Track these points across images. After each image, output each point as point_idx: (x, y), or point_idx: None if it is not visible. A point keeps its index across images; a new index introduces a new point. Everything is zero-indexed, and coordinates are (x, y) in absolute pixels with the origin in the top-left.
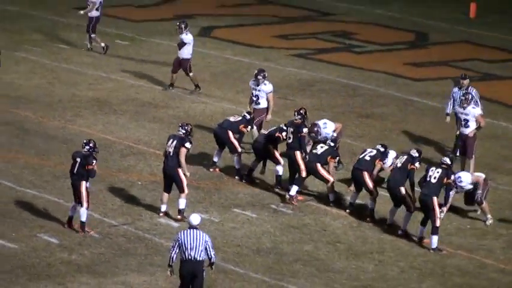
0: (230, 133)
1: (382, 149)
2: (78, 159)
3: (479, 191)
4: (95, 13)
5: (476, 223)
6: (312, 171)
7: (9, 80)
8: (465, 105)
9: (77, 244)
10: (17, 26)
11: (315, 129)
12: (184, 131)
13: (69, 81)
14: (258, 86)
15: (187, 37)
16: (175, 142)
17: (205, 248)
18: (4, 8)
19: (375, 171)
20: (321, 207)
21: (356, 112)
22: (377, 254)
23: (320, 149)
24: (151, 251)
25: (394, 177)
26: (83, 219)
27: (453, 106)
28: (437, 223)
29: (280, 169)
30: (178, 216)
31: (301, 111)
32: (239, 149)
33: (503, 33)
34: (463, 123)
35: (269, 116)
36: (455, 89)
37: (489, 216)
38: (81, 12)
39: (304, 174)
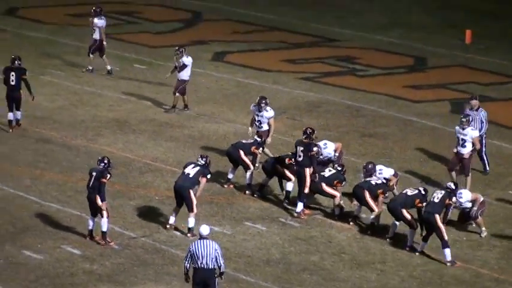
0: (242, 152)
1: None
2: (94, 173)
3: (475, 208)
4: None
5: (472, 235)
6: (317, 190)
7: (35, 102)
8: (465, 126)
9: (98, 255)
10: (42, 52)
11: (316, 149)
12: (203, 162)
13: (90, 102)
14: (260, 112)
15: (188, 59)
16: (197, 169)
17: (216, 257)
18: (30, 35)
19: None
20: (326, 220)
21: (359, 131)
22: (379, 264)
23: (328, 172)
24: (167, 261)
25: (395, 200)
26: (104, 229)
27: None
28: (445, 237)
29: (290, 186)
30: (189, 235)
31: (307, 131)
32: (251, 166)
33: (497, 58)
34: (460, 142)
35: (269, 139)
36: (468, 110)
37: (483, 229)
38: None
39: (307, 190)
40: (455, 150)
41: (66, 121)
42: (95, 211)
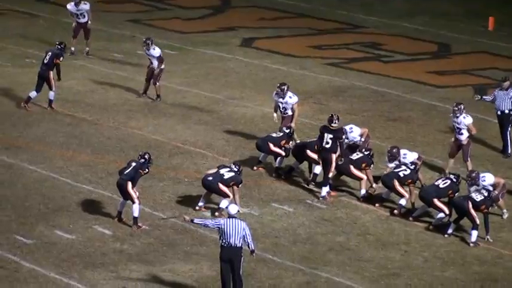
0: (271, 145)
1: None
2: (134, 164)
3: (496, 191)
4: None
5: (493, 217)
6: (345, 172)
7: (68, 86)
8: (457, 114)
9: (128, 235)
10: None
11: (344, 136)
12: (237, 169)
13: (122, 86)
14: (283, 98)
15: (156, 51)
16: (232, 174)
17: (243, 236)
18: (63, 20)
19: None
20: (352, 202)
21: (384, 116)
22: (403, 245)
23: (356, 155)
24: (196, 241)
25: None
26: (136, 214)
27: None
28: (477, 221)
29: (318, 169)
30: (216, 213)
31: (334, 118)
32: (282, 153)
33: None
34: (457, 130)
35: (293, 124)
36: (497, 91)
37: (505, 210)
38: None
39: (331, 175)
40: (452, 139)
41: (98, 104)
42: (125, 196)
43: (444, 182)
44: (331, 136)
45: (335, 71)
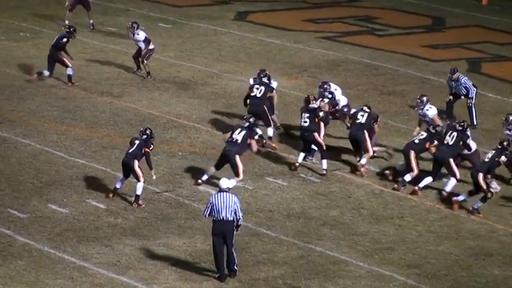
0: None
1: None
2: (137, 142)
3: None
4: None
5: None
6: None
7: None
8: (421, 107)
9: (122, 209)
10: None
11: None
12: (248, 123)
13: (116, 60)
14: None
15: (140, 36)
16: (244, 132)
17: (235, 209)
18: None
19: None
20: (346, 176)
21: (378, 90)
22: (397, 219)
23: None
24: (190, 215)
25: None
26: (139, 192)
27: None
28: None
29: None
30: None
31: (310, 98)
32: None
33: None
34: (424, 123)
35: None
36: (449, 82)
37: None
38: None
39: (324, 147)
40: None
41: (92, 78)
42: (128, 174)
43: (451, 136)
44: (307, 115)
45: (329, 44)
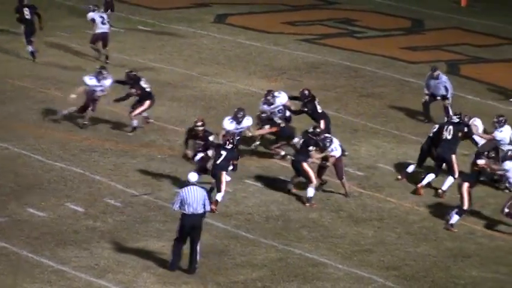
0: None
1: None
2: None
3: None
4: None
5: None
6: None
7: (40, 63)
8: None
9: (101, 212)
10: (48, 14)
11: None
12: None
13: (95, 63)
14: (239, 124)
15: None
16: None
17: (204, 202)
18: None
19: None
20: (324, 178)
21: (357, 92)
22: (376, 221)
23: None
24: (169, 218)
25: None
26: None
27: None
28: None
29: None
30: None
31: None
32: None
33: (491, 21)
34: None
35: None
36: (429, 80)
37: None
38: None
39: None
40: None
41: (71, 82)
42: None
43: (448, 130)
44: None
45: (309, 47)
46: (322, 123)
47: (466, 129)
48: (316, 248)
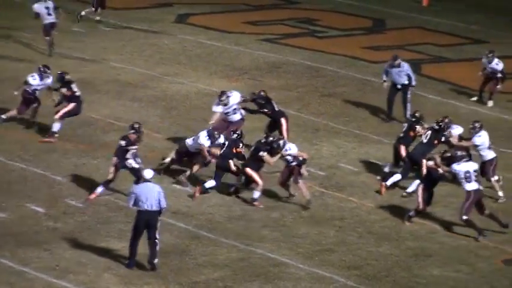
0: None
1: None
2: (227, 142)
3: None
4: None
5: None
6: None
7: (1, 64)
8: None
9: (62, 213)
10: (12, 14)
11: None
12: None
13: (56, 64)
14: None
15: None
16: None
17: (159, 199)
18: None
19: None
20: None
21: (319, 91)
22: (337, 221)
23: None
24: (130, 218)
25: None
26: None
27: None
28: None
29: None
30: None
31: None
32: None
33: (452, 20)
34: None
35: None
36: (389, 69)
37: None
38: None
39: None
40: None
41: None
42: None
43: (426, 134)
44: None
45: (270, 46)
46: (283, 121)
47: (443, 139)
48: (277, 247)
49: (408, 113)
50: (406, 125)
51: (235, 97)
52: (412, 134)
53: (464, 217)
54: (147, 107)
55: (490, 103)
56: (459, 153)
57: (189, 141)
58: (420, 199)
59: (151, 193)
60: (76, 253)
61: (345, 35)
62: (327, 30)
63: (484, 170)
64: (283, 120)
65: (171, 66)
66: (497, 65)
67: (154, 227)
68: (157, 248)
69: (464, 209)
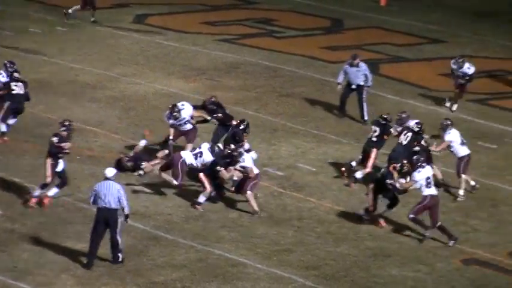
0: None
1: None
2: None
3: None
4: None
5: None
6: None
7: None
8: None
9: (19, 214)
10: None
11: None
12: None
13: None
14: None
15: None
16: None
17: (119, 198)
18: None
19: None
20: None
21: (277, 92)
22: (296, 221)
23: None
24: (88, 219)
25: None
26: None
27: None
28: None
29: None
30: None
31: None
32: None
33: (410, 20)
34: None
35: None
36: (347, 68)
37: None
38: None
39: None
40: None
41: None
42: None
43: (406, 136)
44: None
45: (228, 47)
46: (234, 122)
47: (422, 142)
48: (235, 248)
49: (365, 114)
50: (376, 128)
51: (187, 110)
52: (386, 137)
53: (412, 215)
54: (105, 108)
55: (455, 107)
56: (415, 157)
57: (188, 158)
58: (371, 198)
59: (110, 191)
60: (34, 254)
61: (303, 35)
62: (285, 30)
63: (456, 166)
64: (234, 122)
65: (129, 67)
66: (469, 69)
67: (114, 226)
68: (119, 247)
69: (415, 209)
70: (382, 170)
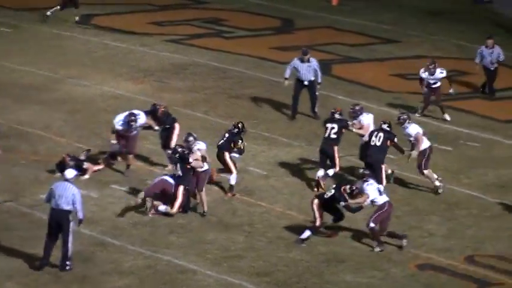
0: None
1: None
2: (227, 135)
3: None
4: None
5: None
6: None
7: None
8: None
9: None
10: None
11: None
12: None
13: None
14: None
15: None
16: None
17: (72, 201)
18: None
19: None
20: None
21: (226, 93)
22: (246, 226)
23: None
24: (33, 225)
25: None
26: (233, 182)
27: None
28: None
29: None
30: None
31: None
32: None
33: (362, 20)
34: None
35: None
36: (298, 64)
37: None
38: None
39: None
40: None
41: None
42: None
43: (378, 136)
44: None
45: (175, 47)
46: (176, 125)
47: (395, 139)
48: (184, 254)
49: (316, 108)
50: (333, 125)
51: (142, 119)
52: (343, 131)
53: (372, 225)
54: (50, 111)
55: (447, 116)
56: (360, 172)
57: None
58: (317, 214)
59: (65, 192)
60: None
61: (252, 35)
62: (234, 30)
63: (417, 162)
64: (176, 125)
65: (75, 69)
66: (442, 73)
67: (66, 227)
68: (69, 252)
69: (374, 217)
70: (332, 189)
